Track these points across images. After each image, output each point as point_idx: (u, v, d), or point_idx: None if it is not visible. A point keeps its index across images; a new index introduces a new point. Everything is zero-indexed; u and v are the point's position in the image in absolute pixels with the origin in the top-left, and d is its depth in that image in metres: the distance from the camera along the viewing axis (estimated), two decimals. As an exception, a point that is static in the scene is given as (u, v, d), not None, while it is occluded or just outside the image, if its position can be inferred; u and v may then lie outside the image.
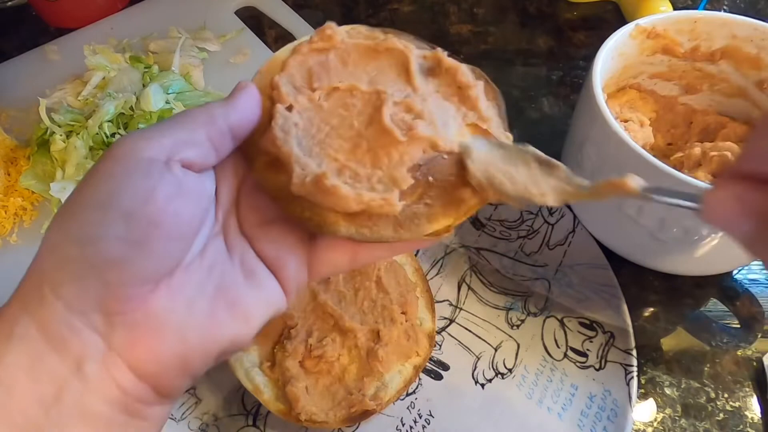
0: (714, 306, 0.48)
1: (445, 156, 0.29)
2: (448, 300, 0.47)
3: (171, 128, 0.25)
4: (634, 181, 0.25)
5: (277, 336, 0.41)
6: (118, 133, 0.52)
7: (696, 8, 0.64)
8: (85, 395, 0.22)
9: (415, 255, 0.48)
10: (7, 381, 0.21)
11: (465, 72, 0.32)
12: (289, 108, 0.29)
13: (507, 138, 0.31)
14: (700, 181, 0.36)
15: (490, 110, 0.32)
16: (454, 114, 0.31)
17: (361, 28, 0.33)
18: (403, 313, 0.42)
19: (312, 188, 0.27)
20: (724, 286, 0.49)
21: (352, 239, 0.28)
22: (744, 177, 0.21)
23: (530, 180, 0.28)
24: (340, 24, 0.33)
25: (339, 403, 0.39)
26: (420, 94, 0.31)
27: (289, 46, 0.32)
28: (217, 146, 0.26)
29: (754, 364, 0.44)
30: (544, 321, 0.46)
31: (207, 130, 0.26)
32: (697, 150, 0.45)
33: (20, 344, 0.22)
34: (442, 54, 0.32)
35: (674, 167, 0.37)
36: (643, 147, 0.39)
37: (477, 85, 0.31)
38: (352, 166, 0.28)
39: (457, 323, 0.46)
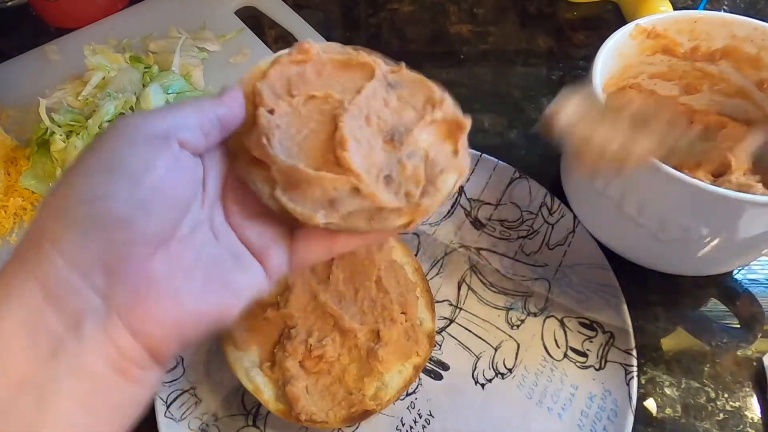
0: (714, 306, 0.48)
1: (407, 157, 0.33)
2: (448, 300, 0.47)
3: (168, 112, 0.28)
4: None
5: (277, 336, 0.41)
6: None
7: (696, 8, 0.64)
8: (81, 354, 0.23)
9: (415, 255, 0.48)
10: (3, 337, 0.22)
11: (427, 81, 0.36)
12: (271, 111, 0.32)
13: (466, 117, 0.35)
14: (701, 182, 0.36)
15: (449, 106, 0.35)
16: (414, 117, 0.35)
17: (336, 45, 0.37)
18: (403, 313, 0.42)
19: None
20: (724, 286, 0.49)
21: (328, 229, 0.30)
22: None
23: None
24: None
25: (339, 403, 0.39)
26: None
27: (269, 58, 0.35)
28: (206, 133, 0.29)
29: (754, 364, 0.44)
30: (544, 321, 0.46)
31: (198, 117, 0.28)
32: None
33: (18, 301, 0.22)
34: (406, 68, 0.36)
35: (674, 167, 0.37)
36: (643, 147, 0.39)
37: (439, 91, 0.35)
38: (327, 166, 0.31)
39: (457, 323, 0.46)
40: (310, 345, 0.40)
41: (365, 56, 0.36)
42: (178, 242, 0.26)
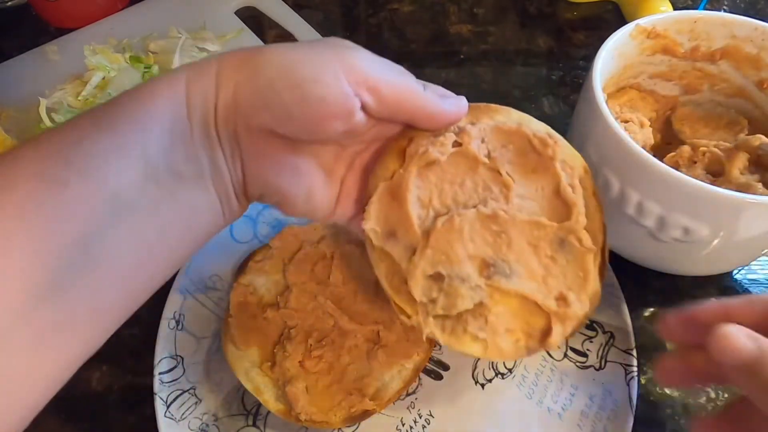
0: (714, 306, 0.48)
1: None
2: (448, 300, 0.47)
3: (383, 69, 0.30)
4: None
5: (277, 336, 0.41)
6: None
7: (696, 8, 0.64)
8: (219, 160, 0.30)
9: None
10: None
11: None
12: (456, 144, 0.34)
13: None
14: (701, 182, 0.36)
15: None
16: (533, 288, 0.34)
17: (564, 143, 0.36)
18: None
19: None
20: (724, 286, 0.49)
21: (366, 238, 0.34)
22: None
23: None
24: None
25: (339, 403, 0.39)
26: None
27: (519, 116, 0.37)
28: (393, 113, 0.31)
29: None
30: (544, 321, 0.46)
31: (403, 96, 0.31)
32: (686, 148, 0.45)
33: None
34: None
35: (672, 166, 0.37)
36: (643, 147, 0.39)
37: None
38: (425, 212, 0.34)
39: (457, 323, 0.46)
40: (310, 345, 0.40)
41: (571, 193, 0.35)
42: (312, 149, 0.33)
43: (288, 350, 0.39)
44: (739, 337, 0.27)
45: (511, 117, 0.36)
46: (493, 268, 0.34)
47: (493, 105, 0.37)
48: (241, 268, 0.45)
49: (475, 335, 0.33)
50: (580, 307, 0.33)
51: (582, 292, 0.34)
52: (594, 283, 0.34)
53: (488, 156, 0.35)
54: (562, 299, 0.33)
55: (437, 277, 0.33)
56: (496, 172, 0.35)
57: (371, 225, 0.34)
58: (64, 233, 0.24)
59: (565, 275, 0.34)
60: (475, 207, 0.34)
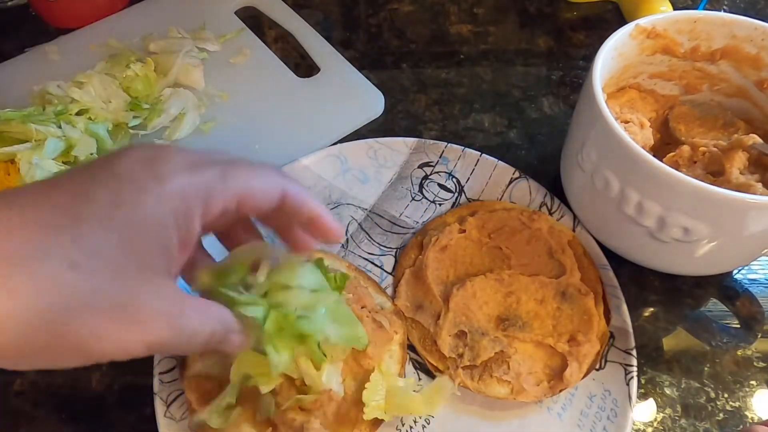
0: (714, 306, 0.48)
1: None
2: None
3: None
4: None
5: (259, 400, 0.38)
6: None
7: (696, 8, 0.64)
8: None
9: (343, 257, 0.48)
10: None
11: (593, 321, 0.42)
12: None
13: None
14: (701, 182, 0.36)
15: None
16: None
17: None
18: (362, 307, 0.42)
19: None
20: (724, 286, 0.49)
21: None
22: None
23: None
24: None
25: (357, 417, 0.38)
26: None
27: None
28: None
29: (754, 364, 0.44)
30: (544, 321, 0.46)
31: None
32: (686, 148, 0.45)
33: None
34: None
35: (672, 166, 0.37)
36: (643, 147, 0.39)
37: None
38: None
39: (457, 323, 0.46)
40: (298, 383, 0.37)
41: (561, 252, 0.45)
42: None
43: (281, 402, 0.37)
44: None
45: (503, 206, 0.47)
46: (507, 322, 0.42)
47: (486, 201, 0.49)
48: (181, 366, 0.40)
49: (500, 379, 0.40)
50: (590, 345, 0.40)
51: (590, 332, 0.41)
52: (600, 324, 0.42)
53: (489, 237, 0.45)
54: (573, 340, 0.41)
55: (461, 335, 0.41)
56: (497, 248, 0.45)
57: (402, 302, 0.43)
58: None
59: (572, 320, 0.42)
60: (483, 275, 0.43)
